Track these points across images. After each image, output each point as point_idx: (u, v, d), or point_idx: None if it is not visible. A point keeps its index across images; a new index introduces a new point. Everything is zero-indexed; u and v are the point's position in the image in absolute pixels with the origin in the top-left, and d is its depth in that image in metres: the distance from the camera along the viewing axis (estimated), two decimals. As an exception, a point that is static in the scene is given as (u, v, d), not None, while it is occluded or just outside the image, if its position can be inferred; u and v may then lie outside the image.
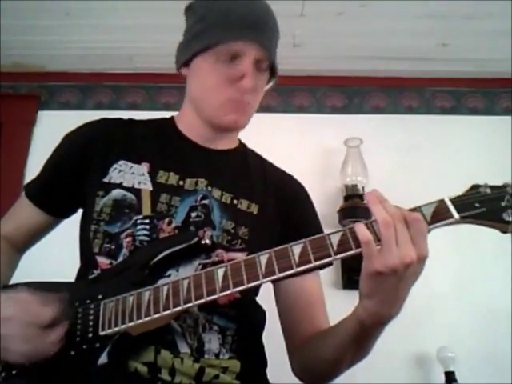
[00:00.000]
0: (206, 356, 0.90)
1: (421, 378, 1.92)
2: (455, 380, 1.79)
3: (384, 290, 0.76)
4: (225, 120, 1.01)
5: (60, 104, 2.40)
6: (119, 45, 2.25)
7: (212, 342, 0.92)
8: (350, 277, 1.96)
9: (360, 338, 0.85)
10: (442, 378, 1.82)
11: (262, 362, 1.04)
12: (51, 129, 2.26)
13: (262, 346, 1.05)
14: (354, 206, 2.04)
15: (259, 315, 1.07)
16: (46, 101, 2.40)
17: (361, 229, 0.75)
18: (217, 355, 0.91)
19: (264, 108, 2.35)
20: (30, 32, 2.19)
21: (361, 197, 2.06)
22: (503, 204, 0.77)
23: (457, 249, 2.05)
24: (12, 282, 1.06)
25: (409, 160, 2.24)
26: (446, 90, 2.42)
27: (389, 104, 2.41)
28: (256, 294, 1.07)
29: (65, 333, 0.83)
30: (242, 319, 0.97)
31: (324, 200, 2.17)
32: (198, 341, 0.90)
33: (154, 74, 2.35)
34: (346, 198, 2.08)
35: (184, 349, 0.89)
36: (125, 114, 2.51)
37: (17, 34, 2.18)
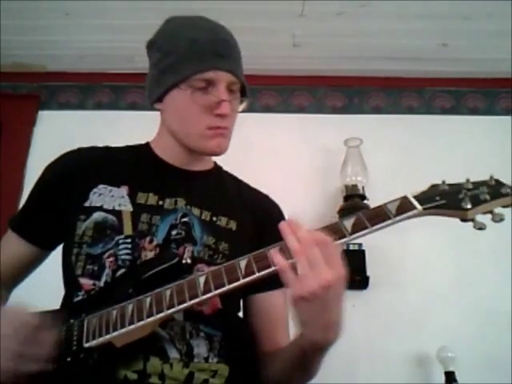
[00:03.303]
0: (195, 360, 0.92)
1: (421, 378, 1.92)
2: (455, 380, 1.79)
3: (311, 315, 0.79)
4: (208, 147, 1.03)
5: (60, 104, 2.40)
6: (119, 45, 2.25)
7: (200, 346, 0.94)
8: (351, 277, 1.96)
9: (303, 362, 0.89)
10: (442, 378, 1.82)
11: (253, 367, 1.05)
12: (51, 129, 2.28)
13: (252, 353, 1.06)
14: (354, 206, 2.03)
15: (243, 326, 1.09)
16: (46, 101, 2.39)
17: (276, 257, 0.80)
18: (206, 359, 0.93)
19: (264, 108, 2.38)
20: (30, 32, 2.18)
21: (361, 197, 2.06)
22: (461, 196, 0.85)
23: (456, 249, 2.05)
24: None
25: (409, 160, 2.24)
26: (445, 90, 2.42)
27: (389, 104, 2.41)
28: (238, 310, 1.10)
29: (54, 345, 0.83)
30: (227, 328, 0.99)
31: (324, 200, 2.17)
32: (187, 346, 0.92)
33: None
34: (346, 198, 2.08)
35: (173, 354, 0.91)
36: (125, 114, 2.52)
37: (17, 33, 2.18)
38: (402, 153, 2.26)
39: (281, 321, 1.08)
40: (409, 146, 2.27)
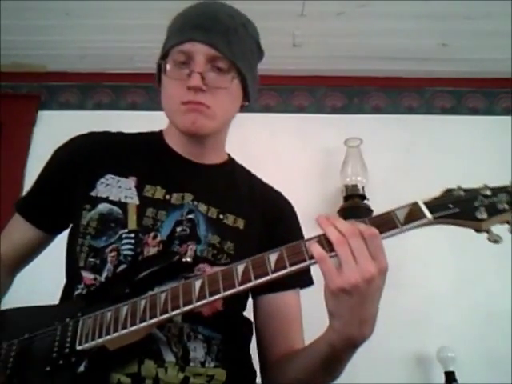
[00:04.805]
0: (191, 364, 0.89)
1: (421, 378, 1.92)
2: (455, 380, 1.79)
3: (350, 308, 0.75)
4: (182, 123, 0.99)
5: (60, 104, 2.40)
6: (119, 45, 2.25)
7: (197, 350, 0.91)
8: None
9: (331, 361, 0.85)
10: (442, 378, 1.82)
11: (250, 372, 1.03)
12: (51, 129, 2.28)
13: (250, 357, 1.04)
14: (354, 206, 2.04)
15: (245, 327, 1.06)
16: (46, 101, 2.39)
17: (315, 247, 0.76)
18: (202, 363, 0.91)
19: (264, 108, 2.38)
20: (30, 32, 2.19)
21: (361, 197, 2.06)
22: (476, 204, 0.78)
23: (456, 249, 2.05)
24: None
25: (409, 160, 2.24)
26: (445, 90, 2.42)
27: (389, 104, 2.41)
28: (243, 309, 1.06)
29: None
30: (227, 330, 0.96)
31: (324, 200, 2.17)
32: (183, 349, 0.90)
33: (154, 73, 2.35)
34: (346, 198, 2.08)
35: (169, 357, 0.88)
36: (125, 114, 2.52)
37: (17, 34, 2.18)
38: (402, 153, 2.26)
39: (296, 322, 1.05)
40: (409, 146, 2.27)
